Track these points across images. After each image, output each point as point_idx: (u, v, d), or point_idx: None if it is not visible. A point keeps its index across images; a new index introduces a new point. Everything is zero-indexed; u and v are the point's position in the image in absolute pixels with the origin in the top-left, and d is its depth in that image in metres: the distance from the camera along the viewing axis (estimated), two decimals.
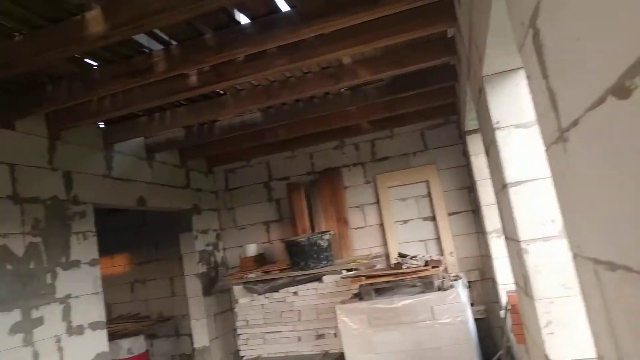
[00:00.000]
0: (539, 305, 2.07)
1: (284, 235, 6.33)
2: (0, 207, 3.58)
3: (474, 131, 4.91)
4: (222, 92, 4.49)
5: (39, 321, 3.66)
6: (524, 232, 2.12)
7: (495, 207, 5.04)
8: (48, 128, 4.23)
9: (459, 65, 3.95)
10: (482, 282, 5.70)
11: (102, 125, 4.91)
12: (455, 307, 4.46)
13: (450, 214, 5.86)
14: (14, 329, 3.45)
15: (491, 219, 4.97)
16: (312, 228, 6.21)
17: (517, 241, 2.14)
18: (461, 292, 4.51)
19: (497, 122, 2.26)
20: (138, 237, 7.16)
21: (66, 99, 3.73)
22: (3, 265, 3.47)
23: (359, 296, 4.82)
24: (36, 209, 3.89)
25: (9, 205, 3.67)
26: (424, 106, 5.19)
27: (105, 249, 7.17)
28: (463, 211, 5.84)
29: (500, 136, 2.25)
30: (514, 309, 4.29)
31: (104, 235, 7.22)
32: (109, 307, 7.04)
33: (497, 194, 2.67)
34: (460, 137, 5.85)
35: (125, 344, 5.80)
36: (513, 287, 5.09)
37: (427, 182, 5.95)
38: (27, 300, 3.58)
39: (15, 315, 3.48)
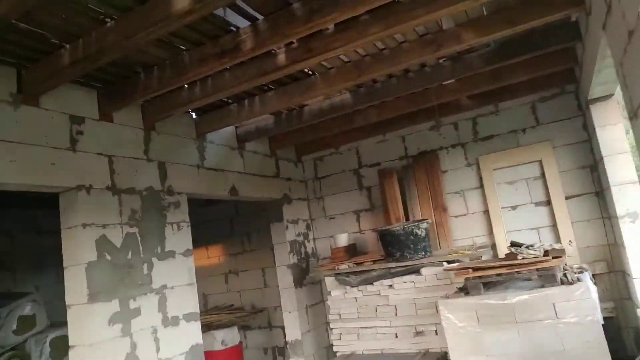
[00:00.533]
0: None
1: (375, 225, 5.97)
2: (99, 197, 3.63)
3: (602, 98, 4.19)
4: (310, 72, 4.23)
5: (137, 311, 3.66)
6: None
7: (630, 187, 4.37)
8: (143, 119, 4.26)
9: (586, 17, 3.31)
10: (610, 275, 4.91)
11: (194, 115, 4.90)
12: (584, 304, 3.79)
13: (568, 198, 5.11)
14: (113, 319, 3.47)
15: (623, 201, 4.24)
16: (407, 217, 5.78)
17: None
18: (591, 287, 3.84)
19: None
20: (231, 228, 7.22)
21: (158, 86, 3.68)
22: (102, 255, 3.50)
23: (464, 290, 4.32)
24: (133, 199, 3.90)
25: (108, 196, 3.70)
26: (535, 74, 4.54)
27: (200, 240, 7.35)
28: (584, 194, 5.07)
29: None
30: None
31: (198, 227, 7.41)
32: (204, 298, 7.22)
33: None
34: (580, 109, 5.07)
35: (219, 335, 5.83)
36: None
37: (539, 161, 5.24)
38: (125, 290, 3.59)
39: (114, 306, 3.50)
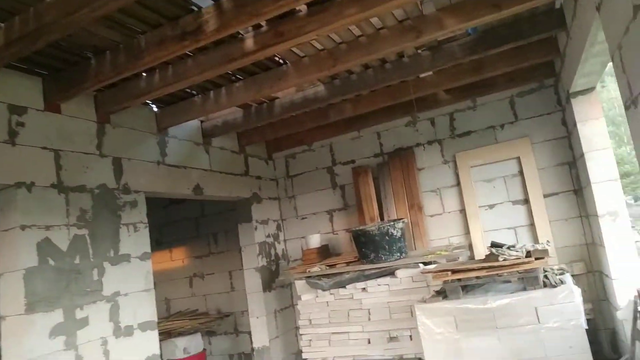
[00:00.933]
0: None
1: (349, 225, 5.72)
2: (42, 196, 3.23)
3: (584, 92, 4.04)
4: (282, 60, 3.93)
5: (84, 322, 3.28)
6: None
7: (612, 184, 4.25)
8: (96, 110, 3.88)
9: (574, 2, 3.13)
10: (588, 276, 4.80)
11: (155, 108, 4.52)
12: (568, 308, 3.63)
13: (546, 196, 4.98)
14: (55, 331, 3.08)
15: (605, 198, 4.10)
16: (381, 216, 5.55)
17: None
18: (574, 290, 3.68)
19: None
20: (197, 229, 6.82)
21: (111, 73, 3.31)
22: (45, 260, 3.10)
23: (442, 294, 4.10)
24: (82, 198, 3.51)
25: (53, 194, 3.31)
26: (515, 66, 4.36)
27: (163, 242, 6.95)
28: (562, 192, 4.94)
29: None
30: None
31: (161, 228, 7.09)
32: (167, 303, 6.81)
33: None
34: (559, 104, 4.94)
35: (181, 342, 5.45)
36: (634, 281, 4.27)
37: (517, 158, 5.09)
38: (71, 298, 3.20)
39: (57, 316, 3.11)
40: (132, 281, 3.74)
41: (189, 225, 6.88)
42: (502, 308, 3.74)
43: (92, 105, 3.83)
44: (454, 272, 3.98)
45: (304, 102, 4.70)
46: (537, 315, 3.66)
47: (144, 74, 3.70)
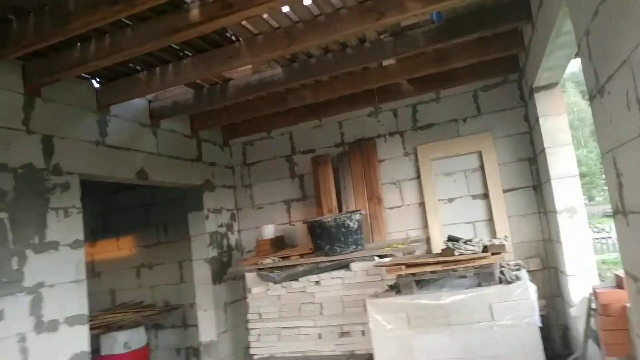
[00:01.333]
0: None
1: (307, 216, 5.51)
2: None
3: (547, 87, 3.95)
4: (234, 37, 3.64)
5: None
6: None
7: (571, 180, 4.20)
8: (24, 82, 3.49)
9: None
10: (543, 272, 4.77)
11: (95, 83, 4.15)
12: (522, 305, 3.53)
13: (506, 191, 4.91)
14: None
15: (563, 194, 4.05)
16: (340, 208, 5.37)
17: None
18: (530, 286, 3.59)
19: None
20: (147, 217, 6.45)
21: (36, 38, 2.95)
22: None
23: (395, 289, 3.95)
24: (3, 178, 3.14)
25: None
26: (479, 59, 4.23)
27: (110, 230, 6.55)
28: (522, 187, 4.88)
29: None
30: (605, 310, 3.37)
31: (108, 215, 6.68)
32: (112, 294, 6.43)
33: (624, 143, 1.74)
34: (522, 99, 4.85)
35: (121, 336, 5.11)
36: (588, 278, 4.26)
37: (479, 153, 5.00)
38: None
39: None
40: (60, 271, 3.39)
41: (139, 212, 6.50)
42: (455, 304, 3.61)
43: (19, 76, 3.44)
44: (408, 266, 3.82)
45: (261, 85, 4.43)
46: (491, 312, 3.55)
47: (79, 44, 3.34)
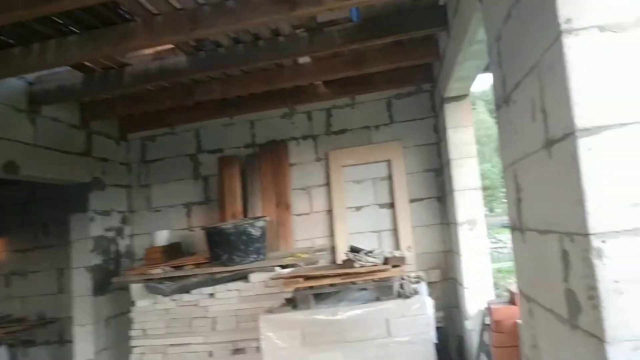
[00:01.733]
0: (613, 353, 1.08)
1: (209, 221, 5.12)
2: None
3: (457, 98, 3.99)
4: (128, 15, 3.20)
5: None
6: (600, 218, 1.12)
7: (473, 192, 4.28)
8: None
9: None
10: (443, 283, 4.83)
11: None
12: (419, 320, 3.46)
13: (412, 201, 4.93)
14: None
15: (465, 207, 4.13)
16: (245, 213, 5.04)
17: (584, 235, 1.14)
18: (427, 301, 3.54)
19: (568, 21, 1.23)
20: (22, 217, 5.61)
21: None
22: None
23: (292, 303, 3.71)
24: None
25: None
26: (395, 64, 4.20)
27: None
28: (427, 198, 4.93)
29: (572, 44, 1.21)
30: (497, 327, 3.41)
31: None
32: None
33: (526, 156, 1.65)
34: (433, 110, 4.91)
35: None
36: (485, 291, 4.36)
37: (388, 161, 4.97)
38: None
39: None
40: None
41: (14, 211, 5.65)
42: (352, 320, 3.44)
43: None
44: (306, 278, 3.60)
45: (162, 74, 3.99)
46: (388, 328, 3.43)
47: None
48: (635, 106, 1.16)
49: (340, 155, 5.06)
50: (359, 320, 3.41)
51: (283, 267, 4.04)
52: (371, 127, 5.04)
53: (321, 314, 3.45)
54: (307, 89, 4.85)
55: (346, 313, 3.42)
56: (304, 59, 4.24)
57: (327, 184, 5.08)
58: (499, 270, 9.61)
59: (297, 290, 3.55)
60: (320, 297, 3.67)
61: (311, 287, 3.55)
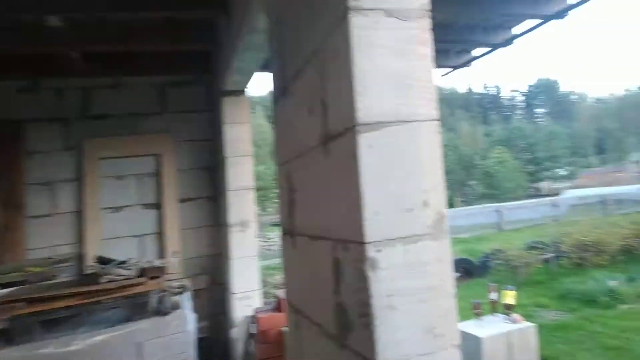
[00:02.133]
0: None
1: None
2: None
3: (235, 93, 3.78)
4: None
5: None
6: (377, 224, 1.00)
7: (246, 193, 4.10)
8: None
9: None
10: (211, 289, 4.54)
11: None
12: (178, 338, 3.06)
13: (182, 201, 4.49)
14: None
15: (237, 207, 4.02)
16: None
17: (359, 243, 1.00)
18: (188, 316, 3.18)
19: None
20: None
21: None
22: None
23: (7, 336, 2.82)
24: None
25: None
26: (170, 47, 3.77)
27: None
28: (199, 198, 4.57)
29: (358, 25, 1.06)
30: (264, 337, 3.26)
31: None
32: None
33: (301, 154, 1.48)
34: (210, 104, 4.56)
35: None
36: (252, 298, 4.23)
37: (157, 156, 4.42)
38: None
39: None
40: None
41: None
42: (94, 349, 2.77)
43: None
44: (30, 301, 2.80)
45: None
46: (141, 353, 2.92)
47: None
48: (418, 103, 1.05)
49: (98, 145, 4.27)
50: (103, 349, 2.78)
51: (5, 285, 3.09)
52: (139, 115, 4.41)
53: (49, 347, 2.69)
54: (59, 60, 3.95)
55: (85, 341, 2.75)
56: (54, 21, 3.38)
57: (79, 179, 4.22)
58: (267, 268, 9.87)
59: (14, 318, 2.70)
60: (52, 323, 2.87)
61: (38, 312, 2.74)
